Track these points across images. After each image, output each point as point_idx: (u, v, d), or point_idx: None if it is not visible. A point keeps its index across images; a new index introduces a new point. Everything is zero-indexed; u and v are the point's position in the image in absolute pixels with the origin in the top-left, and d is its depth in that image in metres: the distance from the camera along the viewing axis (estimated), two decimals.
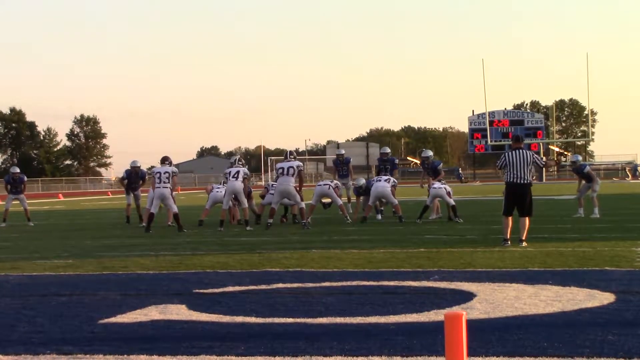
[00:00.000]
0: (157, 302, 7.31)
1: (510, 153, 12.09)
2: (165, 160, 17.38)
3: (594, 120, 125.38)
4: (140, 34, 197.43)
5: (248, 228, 16.63)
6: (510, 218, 11.98)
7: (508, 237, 11.88)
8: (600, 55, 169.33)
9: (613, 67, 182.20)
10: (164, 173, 16.99)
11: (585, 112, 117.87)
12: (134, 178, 20.61)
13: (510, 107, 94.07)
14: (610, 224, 16.00)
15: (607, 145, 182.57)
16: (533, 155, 12.21)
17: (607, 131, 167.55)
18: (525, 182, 11.94)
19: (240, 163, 17.88)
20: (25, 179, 22.13)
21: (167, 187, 16.92)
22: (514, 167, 11.93)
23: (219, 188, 19.05)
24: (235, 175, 17.06)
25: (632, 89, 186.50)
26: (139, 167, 20.86)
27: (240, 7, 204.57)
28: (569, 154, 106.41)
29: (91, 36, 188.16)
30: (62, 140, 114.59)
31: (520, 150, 12.08)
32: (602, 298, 6.95)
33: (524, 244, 11.70)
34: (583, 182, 19.41)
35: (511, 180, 11.99)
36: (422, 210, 18.05)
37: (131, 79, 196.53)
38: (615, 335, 5.49)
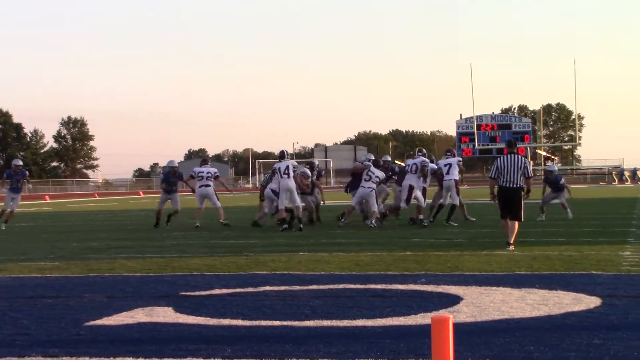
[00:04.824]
0: (143, 304, 7.29)
1: (502, 158, 12.15)
2: (205, 161, 19.02)
3: (581, 125, 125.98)
4: (129, 36, 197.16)
5: (298, 227, 16.26)
6: (508, 220, 12.00)
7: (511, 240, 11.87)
8: (587, 60, 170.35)
9: (600, 72, 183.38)
10: (207, 173, 18.32)
11: (573, 116, 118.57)
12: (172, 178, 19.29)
13: (498, 111, 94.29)
14: (596, 228, 16.07)
15: (593, 150, 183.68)
16: (525, 162, 12.16)
17: (594, 136, 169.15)
18: (516, 186, 11.97)
19: (289, 156, 17.59)
20: (27, 174, 20.87)
21: (210, 186, 18.27)
22: (505, 172, 11.98)
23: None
24: (286, 172, 16.72)
25: (619, 94, 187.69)
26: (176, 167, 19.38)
27: (229, 11, 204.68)
28: (557, 158, 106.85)
29: (78, 37, 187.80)
30: (49, 142, 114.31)
31: (513, 155, 12.14)
32: (589, 302, 6.98)
33: (511, 247, 11.74)
34: (549, 190, 19.14)
35: (502, 184, 12.04)
36: (435, 210, 18.08)
37: (119, 81, 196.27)
38: (601, 339, 5.52)
